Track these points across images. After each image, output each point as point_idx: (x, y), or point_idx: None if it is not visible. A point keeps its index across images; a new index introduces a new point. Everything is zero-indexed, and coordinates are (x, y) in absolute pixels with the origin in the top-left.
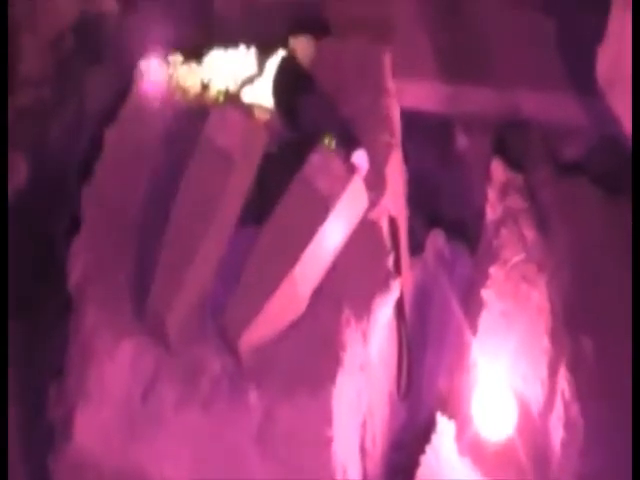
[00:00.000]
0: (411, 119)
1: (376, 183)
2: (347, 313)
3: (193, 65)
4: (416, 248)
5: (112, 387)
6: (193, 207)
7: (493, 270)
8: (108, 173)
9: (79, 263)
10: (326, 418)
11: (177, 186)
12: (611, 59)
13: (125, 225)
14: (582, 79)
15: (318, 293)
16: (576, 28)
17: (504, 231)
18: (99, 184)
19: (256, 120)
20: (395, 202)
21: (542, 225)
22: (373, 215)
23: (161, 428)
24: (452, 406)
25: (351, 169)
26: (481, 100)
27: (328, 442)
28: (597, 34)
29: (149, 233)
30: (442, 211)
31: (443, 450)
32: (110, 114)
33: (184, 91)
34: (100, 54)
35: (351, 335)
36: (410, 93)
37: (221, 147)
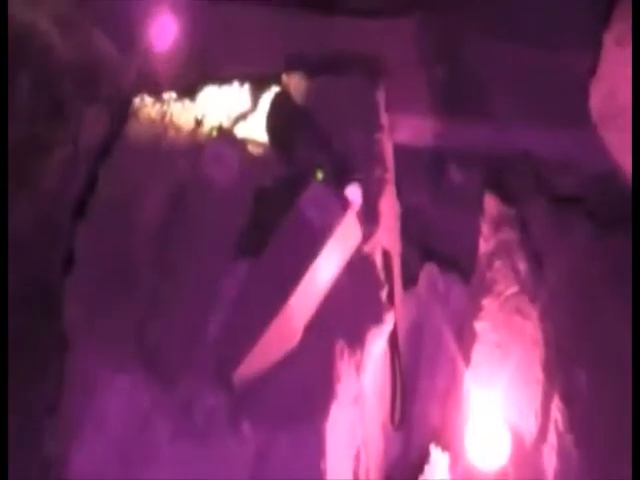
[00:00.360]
0: (404, 154)
1: (369, 217)
2: (341, 346)
3: (187, 102)
4: (410, 281)
5: (108, 422)
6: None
7: (486, 302)
8: (103, 210)
9: (75, 299)
10: (320, 450)
11: (173, 221)
12: (604, 93)
13: (121, 261)
14: (576, 115)
15: (312, 326)
16: (572, 62)
17: (497, 264)
18: (94, 221)
19: (250, 155)
20: (388, 236)
21: (536, 258)
22: (367, 249)
23: (156, 462)
24: (445, 437)
25: (345, 204)
26: (475, 135)
27: (322, 474)
28: (592, 68)
29: (146, 269)
30: (435, 245)
31: None
32: (105, 152)
33: (178, 128)
34: (96, 92)
35: (345, 368)
36: (403, 128)
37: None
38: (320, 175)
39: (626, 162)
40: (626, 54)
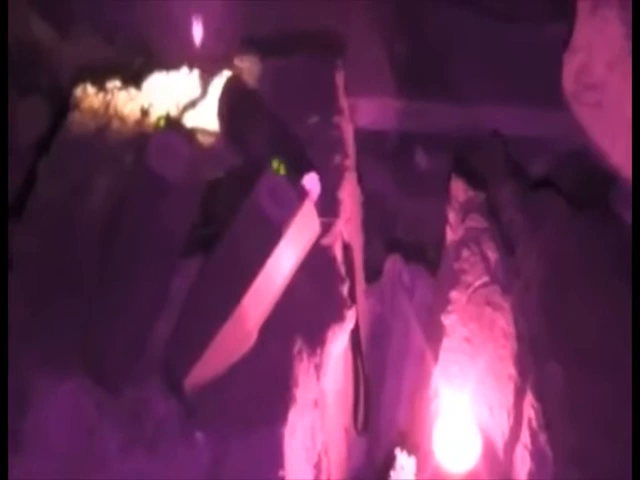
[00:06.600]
0: (366, 138)
1: (329, 208)
2: (299, 346)
3: (132, 90)
4: (373, 275)
5: (51, 433)
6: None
7: (454, 294)
8: (43, 209)
9: (11, 303)
10: (278, 459)
11: (118, 219)
12: (578, 67)
13: (63, 263)
14: (548, 91)
15: (268, 326)
16: (542, 37)
17: (465, 253)
18: (33, 221)
19: (199, 145)
20: (349, 227)
21: (506, 246)
22: (326, 242)
23: (105, 474)
24: (412, 440)
25: (302, 193)
26: (441, 116)
27: None
28: (564, 43)
29: (90, 270)
30: (401, 235)
31: None
32: (44, 146)
33: (123, 118)
34: (33, 82)
35: (303, 370)
36: (364, 111)
37: (161, 175)
38: (276, 164)
39: (602, 140)
40: (602, 23)
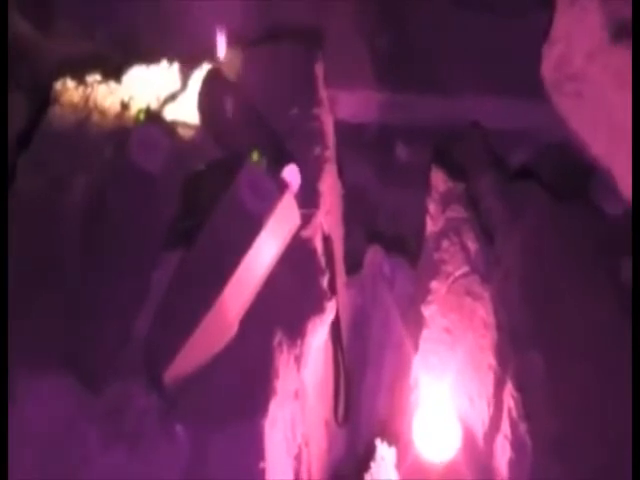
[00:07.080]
0: (346, 131)
1: (309, 199)
2: (279, 338)
3: (112, 84)
4: (354, 266)
5: (32, 429)
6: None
7: (434, 285)
8: (23, 204)
9: None
10: (259, 450)
11: (99, 213)
12: (558, 58)
13: (44, 255)
14: (529, 83)
15: (248, 318)
16: (524, 29)
17: (445, 243)
18: (14, 217)
19: (180, 138)
20: (330, 219)
21: (487, 236)
22: (306, 234)
23: (87, 471)
24: (393, 431)
25: (282, 185)
26: (422, 108)
27: (262, 475)
28: (544, 33)
29: (70, 265)
30: (381, 226)
31: (382, 478)
32: (24, 142)
33: (103, 112)
34: (13, 78)
35: (284, 361)
36: (345, 103)
37: (142, 169)
38: (256, 156)
39: (582, 130)
40: (581, 13)
